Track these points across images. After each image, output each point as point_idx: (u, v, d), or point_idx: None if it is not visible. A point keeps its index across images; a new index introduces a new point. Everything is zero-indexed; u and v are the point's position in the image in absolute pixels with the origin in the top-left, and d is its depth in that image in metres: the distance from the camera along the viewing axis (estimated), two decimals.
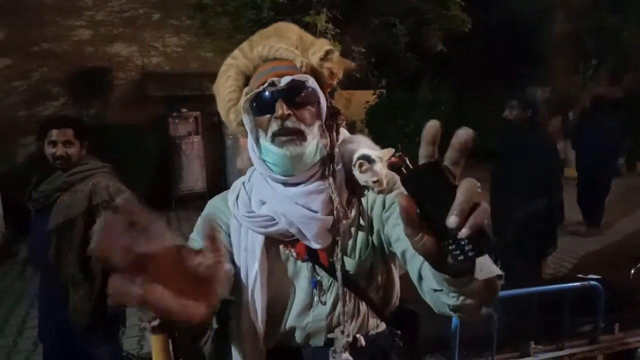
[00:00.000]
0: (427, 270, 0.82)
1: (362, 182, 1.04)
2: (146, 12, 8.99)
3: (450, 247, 0.55)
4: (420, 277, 0.88)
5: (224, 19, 7.10)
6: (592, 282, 1.96)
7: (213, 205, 1.16)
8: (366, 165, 1.01)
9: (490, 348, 1.75)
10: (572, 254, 5.32)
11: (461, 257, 0.54)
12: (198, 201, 8.50)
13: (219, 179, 8.83)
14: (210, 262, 0.55)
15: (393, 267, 1.12)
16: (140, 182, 7.64)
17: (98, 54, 8.62)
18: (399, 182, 1.05)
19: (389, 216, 1.03)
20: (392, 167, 1.08)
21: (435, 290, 0.79)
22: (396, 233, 0.98)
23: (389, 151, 1.05)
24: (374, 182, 1.02)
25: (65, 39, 8.43)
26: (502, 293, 1.79)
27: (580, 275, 2.58)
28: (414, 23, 7.34)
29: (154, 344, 0.68)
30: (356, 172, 1.03)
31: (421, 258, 0.77)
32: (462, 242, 0.53)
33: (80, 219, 2.31)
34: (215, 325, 1.04)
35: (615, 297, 2.13)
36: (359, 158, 1.03)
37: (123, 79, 8.87)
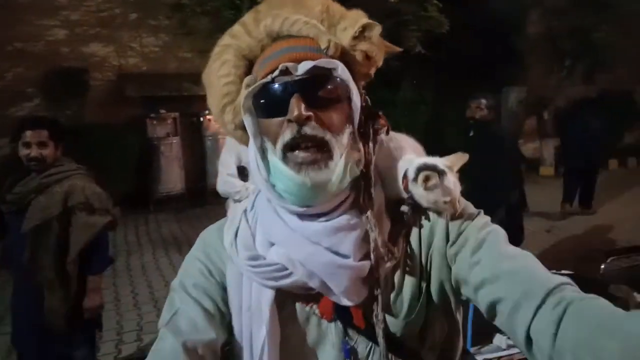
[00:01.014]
0: (572, 319, 0.59)
1: (427, 204, 0.76)
2: (123, 12, 8.86)
3: None
4: (529, 339, 0.63)
5: (203, 19, 7.05)
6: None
7: (205, 242, 0.85)
8: (435, 180, 0.73)
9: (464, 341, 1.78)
10: (545, 250, 5.46)
11: None
12: (177, 203, 8.44)
13: (199, 181, 8.77)
14: None
15: (457, 316, 0.83)
16: (119, 184, 7.53)
17: (74, 54, 8.48)
18: (465, 202, 0.80)
19: (458, 252, 0.75)
20: None
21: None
22: (476, 276, 0.71)
23: (462, 157, 0.79)
24: (446, 202, 0.74)
25: (39, 39, 8.27)
26: None
27: (554, 271, 2.65)
28: (393, 25, 7.40)
29: None
30: (419, 190, 0.75)
31: (530, 311, 0.63)
32: None
33: (55, 220, 2.29)
34: None
35: (586, 291, 2.20)
36: (421, 169, 0.75)
37: (100, 79, 8.74)
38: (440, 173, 0.74)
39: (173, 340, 0.72)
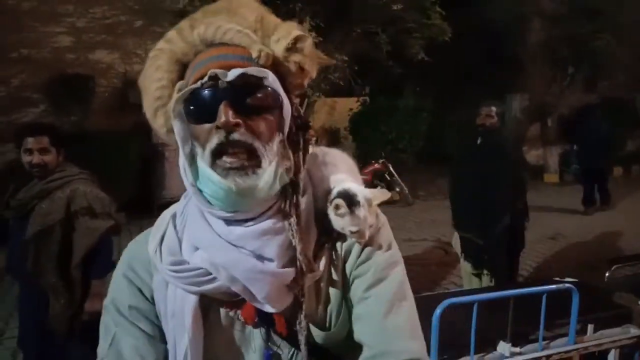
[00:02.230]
0: None
1: (336, 228, 0.78)
2: (128, 19, 8.95)
3: None
4: None
5: None
6: (567, 285, 2.02)
7: (130, 256, 0.83)
8: (344, 209, 0.76)
9: (467, 350, 1.78)
10: (549, 257, 5.43)
11: None
12: None
13: None
14: None
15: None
16: (123, 189, 7.56)
17: (79, 61, 8.55)
18: (385, 229, 0.82)
19: (357, 277, 0.78)
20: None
21: None
22: (358, 309, 0.77)
23: (383, 194, 0.81)
24: (353, 232, 0.77)
25: (45, 45, 8.34)
26: (478, 296, 1.83)
27: (557, 279, 2.65)
28: (396, 32, 7.46)
29: None
30: (331, 214, 0.78)
31: None
32: None
33: (58, 226, 2.30)
34: None
35: (590, 299, 2.19)
36: (337, 195, 0.77)
37: (105, 86, 8.80)
38: (354, 204, 0.76)
39: None
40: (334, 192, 0.78)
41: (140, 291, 0.79)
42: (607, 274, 2.80)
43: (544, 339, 1.95)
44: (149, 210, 8.31)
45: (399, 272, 0.80)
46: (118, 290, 0.80)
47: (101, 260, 2.43)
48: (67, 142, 2.46)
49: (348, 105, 9.48)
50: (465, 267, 3.65)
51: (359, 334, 0.76)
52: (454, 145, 4.26)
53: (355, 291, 0.77)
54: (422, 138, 9.58)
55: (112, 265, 2.66)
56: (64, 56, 8.46)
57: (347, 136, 10.25)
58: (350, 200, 0.76)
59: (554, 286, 2.02)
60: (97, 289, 2.42)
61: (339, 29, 7.41)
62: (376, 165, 8.00)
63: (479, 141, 3.61)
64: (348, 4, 7.09)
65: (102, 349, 0.78)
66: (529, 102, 10.98)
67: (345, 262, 0.79)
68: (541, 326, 1.90)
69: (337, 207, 0.76)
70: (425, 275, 4.56)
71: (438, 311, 1.68)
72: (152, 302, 0.79)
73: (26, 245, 2.29)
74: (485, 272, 3.50)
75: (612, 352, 2.11)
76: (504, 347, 1.90)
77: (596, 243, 5.97)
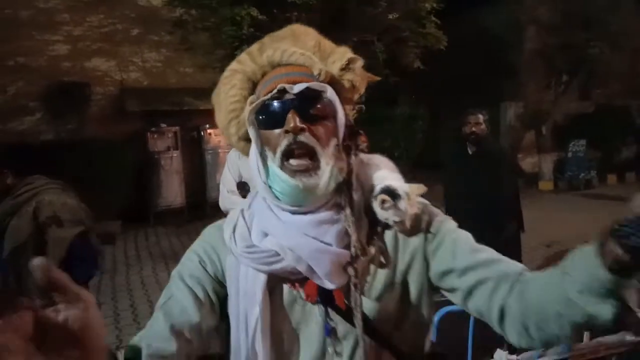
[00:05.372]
0: (539, 281, 0.78)
1: (381, 219, 0.90)
2: (125, 28, 8.98)
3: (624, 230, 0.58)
4: (502, 312, 0.81)
5: (204, 35, 7.14)
6: None
7: (205, 239, 0.98)
8: (389, 203, 0.88)
9: (465, 358, 1.78)
10: (544, 265, 5.44)
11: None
12: (177, 217, 8.44)
13: (199, 195, 8.78)
14: (76, 311, 0.47)
15: (426, 308, 0.94)
16: (119, 197, 7.55)
17: (76, 69, 8.56)
18: (431, 209, 0.96)
19: (438, 248, 0.91)
20: None
21: (564, 277, 0.72)
22: (459, 264, 0.87)
23: (420, 188, 0.92)
24: (396, 222, 0.89)
25: (42, 54, 8.36)
26: None
27: None
28: (392, 41, 7.50)
29: None
30: (376, 208, 0.90)
31: (505, 289, 0.82)
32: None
33: (30, 240, 2.26)
34: None
35: None
36: (381, 191, 0.90)
37: (101, 94, 8.81)
38: (396, 197, 0.88)
39: (163, 323, 0.86)
40: (378, 189, 0.91)
41: (205, 266, 0.93)
42: None
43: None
44: (145, 218, 8.31)
45: (463, 230, 0.95)
46: (186, 263, 0.95)
47: (81, 265, 2.39)
48: (8, 161, 2.45)
49: None
50: None
51: (470, 282, 0.86)
52: (446, 153, 4.23)
53: (443, 258, 0.90)
54: (418, 146, 9.62)
55: (93, 272, 2.61)
56: (61, 64, 8.47)
57: None
58: (392, 195, 0.88)
59: None
60: None
61: (335, 38, 7.45)
62: None
63: (470, 150, 3.58)
64: (344, 13, 7.14)
65: (159, 302, 0.91)
66: (523, 110, 11.04)
67: (405, 247, 0.91)
68: None
69: (382, 201, 0.88)
70: None
71: (436, 319, 1.69)
72: (212, 277, 0.93)
73: (6, 263, 2.26)
74: None
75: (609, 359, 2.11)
76: (500, 355, 1.90)
77: None
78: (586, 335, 2.05)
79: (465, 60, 9.32)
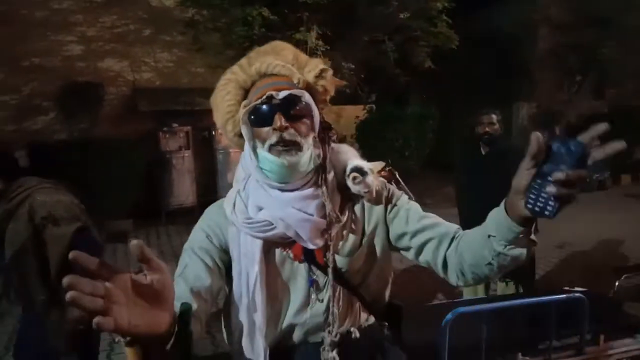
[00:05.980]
0: (468, 238, 1.04)
1: (354, 192, 1.14)
2: (137, 28, 9.05)
3: (537, 186, 0.79)
4: (445, 262, 1.09)
5: (215, 35, 7.18)
6: (577, 295, 2.00)
7: (209, 217, 1.20)
8: (359, 178, 1.12)
9: (477, 358, 1.77)
10: (556, 265, 5.39)
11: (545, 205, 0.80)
12: (188, 216, 8.47)
13: (210, 194, 8.82)
14: (158, 276, 0.70)
15: (385, 266, 1.21)
16: (131, 196, 7.62)
17: (89, 69, 8.65)
18: (390, 186, 1.24)
19: (395, 216, 1.17)
20: None
21: (488, 237, 0.95)
22: (411, 227, 1.15)
23: (379, 164, 1.19)
24: (365, 192, 1.14)
25: (56, 54, 8.45)
26: (488, 305, 1.82)
27: (567, 288, 2.63)
28: (403, 40, 7.48)
29: (129, 355, 0.74)
30: (350, 183, 1.13)
31: (445, 245, 1.10)
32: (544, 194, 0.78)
33: (29, 243, 2.23)
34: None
35: (600, 308, 2.17)
36: (352, 170, 1.13)
37: (114, 94, 8.89)
38: (364, 174, 1.13)
39: (184, 286, 1.03)
40: (349, 169, 1.15)
41: (211, 239, 1.15)
42: (617, 284, 2.77)
43: (553, 349, 1.93)
44: (157, 217, 8.37)
45: (413, 202, 1.23)
46: (195, 237, 1.17)
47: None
48: None
49: (354, 113, 9.49)
50: None
51: (420, 240, 1.14)
52: (458, 154, 4.17)
53: (399, 224, 1.17)
54: (428, 146, 9.56)
55: None
56: (74, 64, 8.56)
57: (354, 143, 10.25)
58: (361, 172, 1.13)
59: (563, 296, 2.00)
60: None
61: (346, 37, 7.45)
62: (382, 173, 7.99)
63: (483, 151, 3.53)
64: (355, 13, 7.13)
65: (177, 271, 1.10)
66: (536, 110, 10.94)
67: (371, 214, 1.18)
68: (551, 336, 1.88)
69: (354, 178, 1.13)
70: (433, 284, 4.53)
71: (448, 320, 1.68)
72: (218, 247, 1.14)
73: (8, 270, 2.25)
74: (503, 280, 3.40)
75: None
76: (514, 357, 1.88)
77: (603, 252, 5.92)
78: (601, 338, 2.03)
79: (476, 59, 9.26)
